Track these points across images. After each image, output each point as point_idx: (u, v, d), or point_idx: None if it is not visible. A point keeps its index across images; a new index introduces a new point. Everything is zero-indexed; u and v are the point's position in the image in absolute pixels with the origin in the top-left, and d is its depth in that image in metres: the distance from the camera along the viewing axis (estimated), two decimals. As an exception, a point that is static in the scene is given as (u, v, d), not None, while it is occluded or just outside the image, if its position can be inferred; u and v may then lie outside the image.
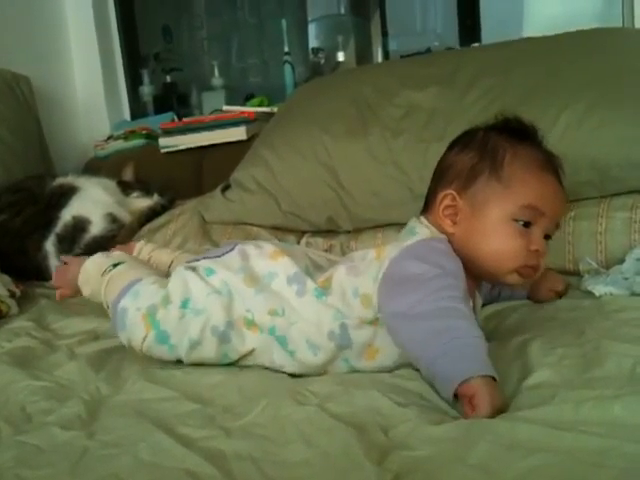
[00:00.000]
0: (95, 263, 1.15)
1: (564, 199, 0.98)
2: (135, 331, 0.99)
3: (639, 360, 0.80)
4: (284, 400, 0.82)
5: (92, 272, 1.14)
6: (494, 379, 0.76)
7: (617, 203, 1.27)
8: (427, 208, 1.01)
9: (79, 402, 0.89)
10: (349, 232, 1.50)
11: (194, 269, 1.02)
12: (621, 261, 1.17)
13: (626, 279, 1.09)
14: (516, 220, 0.93)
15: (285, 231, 1.55)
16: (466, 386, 0.75)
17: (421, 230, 0.97)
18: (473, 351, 0.78)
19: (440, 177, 1.01)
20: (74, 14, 2.35)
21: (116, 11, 2.47)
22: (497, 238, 0.93)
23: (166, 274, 1.22)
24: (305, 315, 0.94)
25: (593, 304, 1.06)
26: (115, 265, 1.10)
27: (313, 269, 1.01)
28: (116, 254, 1.20)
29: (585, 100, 1.34)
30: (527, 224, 0.93)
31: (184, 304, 0.98)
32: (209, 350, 0.97)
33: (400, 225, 1.42)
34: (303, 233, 1.55)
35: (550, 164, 0.97)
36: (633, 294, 1.06)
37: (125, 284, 1.03)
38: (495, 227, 0.93)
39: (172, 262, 1.27)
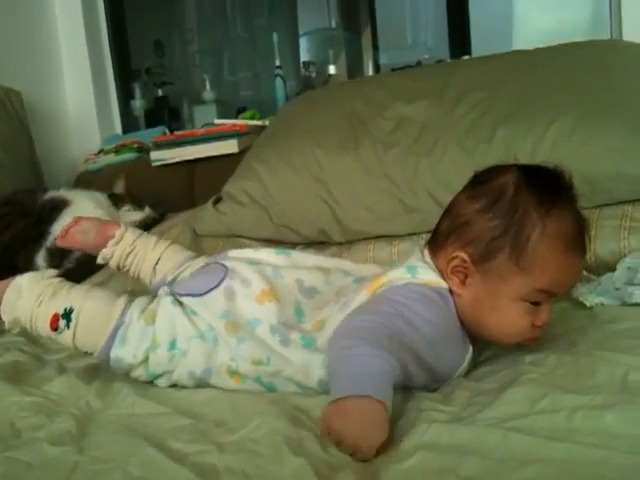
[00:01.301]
0: (21, 297, 1.03)
1: (581, 270, 0.91)
2: (133, 371, 0.98)
3: (631, 369, 0.80)
4: (278, 416, 0.81)
5: (20, 309, 1.02)
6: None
7: (607, 213, 1.28)
8: (436, 246, 0.92)
9: (69, 417, 0.88)
10: (341, 244, 1.50)
11: (181, 303, 0.99)
12: (611, 267, 1.17)
13: (617, 289, 1.09)
14: (527, 300, 0.87)
15: (277, 244, 1.55)
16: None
17: (423, 274, 0.90)
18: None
19: (455, 227, 0.90)
20: (65, 28, 2.36)
21: (107, 25, 2.47)
22: (505, 316, 0.87)
23: (151, 274, 1.18)
24: (293, 361, 0.91)
25: (584, 315, 1.06)
26: (66, 316, 1.00)
27: (306, 302, 0.97)
28: (42, 283, 1.03)
29: (574, 113, 1.35)
30: (537, 303, 0.88)
31: (172, 345, 0.96)
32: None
33: (392, 237, 1.44)
34: (295, 245, 1.55)
35: (579, 237, 0.87)
36: (624, 304, 1.06)
37: (107, 332, 0.98)
38: (504, 305, 0.87)
39: (158, 260, 1.18)
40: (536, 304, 0.87)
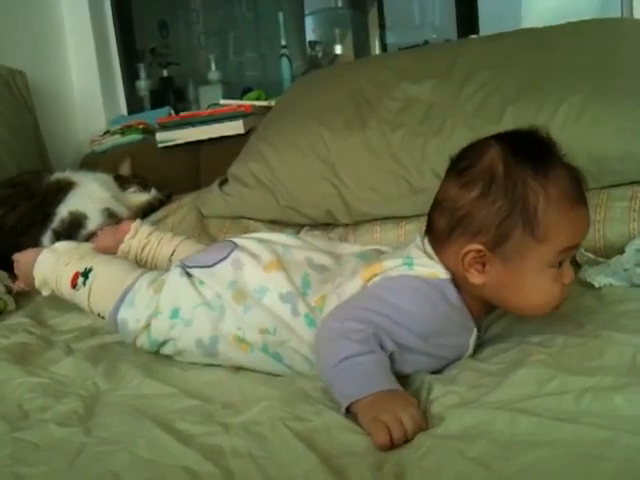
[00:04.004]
0: (54, 257, 1.14)
1: (589, 219, 0.89)
2: (138, 338, 1.01)
3: (639, 350, 0.79)
4: (284, 399, 0.81)
5: (50, 267, 1.13)
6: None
7: (616, 194, 1.27)
8: (437, 243, 0.89)
9: (76, 398, 0.88)
10: (347, 225, 1.50)
11: (190, 275, 1.01)
12: (620, 250, 1.16)
13: (626, 270, 1.08)
14: (552, 266, 0.85)
15: (283, 225, 1.55)
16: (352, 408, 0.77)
17: (420, 265, 0.88)
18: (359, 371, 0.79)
19: (456, 221, 0.85)
20: (70, 8, 2.34)
21: (112, 5, 2.45)
22: (536, 290, 0.85)
23: (167, 265, 1.21)
24: (299, 333, 0.92)
25: (592, 296, 1.05)
26: (85, 274, 1.07)
27: (315, 275, 0.97)
28: (75, 250, 1.15)
29: (582, 93, 1.33)
30: (559, 264, 0.86)
31: (174, 314, 0.98)
32: (193, 359, 0.98)
33: (398, 219, 1.43)
34: (301, 227, 1.55)
35: (579, 189, 0.86)
36: (633, 285, 1.06)
37: (118, 295, 1.02)
38: (532, 281, 0.84)
39: (174, 252, 1.24)
40: (559, 265, 0.86)
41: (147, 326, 0.99)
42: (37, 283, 1.15)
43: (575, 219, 0.85)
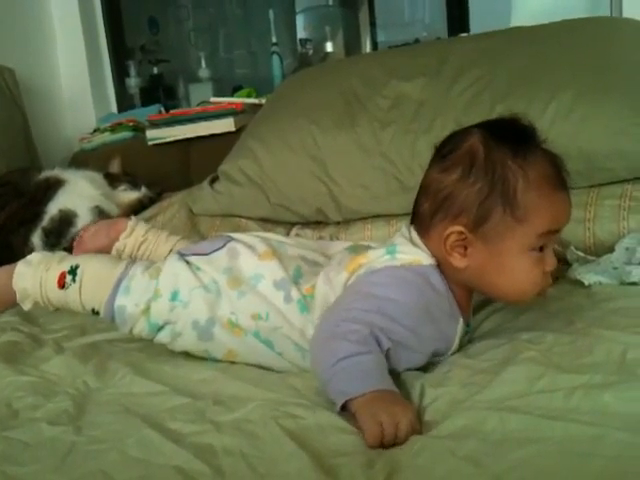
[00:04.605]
0: (31, 267, 1.09)
1: (571, 205, 0.90)
2: (136, 324, 1.00)
3: (629, 347, 0.80)
4: (276, 398, 0.81)
5: (30, 276, 1.08)
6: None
7: (606, 192, 1.27)
8: (422, 229, 0.90)
9: (66, 397, 0.88)
10: (338, 223, 1.50)
11: (187, 262, 1.01)
12: (610, 248, 1.17)
13: (615, 269, 1.09)
14: (533, 249, 0.86)
15: (274, 223, 1.55)
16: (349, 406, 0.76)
17: (402, 253, 0.89)
18: (358, 369, 0.79)
19: (438, 203, 0.88)
20: (59, 5, 2.33)
21: (102, 2, 2.44)
22: (517, 273, 0.86)
23: None
24: (291, 320, 0.93)
25: (582, 294, 1.05)
26: (72, 272, 1.04)
27: (308, 268, 0.99)
28: (50, 256, 1.11)
29: (572, 91, 1.34)
30: (541, 247, 0.87)
31: (173, 296, 0.98)
32: (188, 343, 0.98)
33: (389, 217, 1.43)
34: (292, 225, 1.55)
35: (559, 175, 0.88)
36: (622, 283, 1.06)
37: (111, 284, 1.01)
38: (513, 263, 0.86)
39: (171, 251, 1.22)
40: (541, 250, 0.87)
41: (146, 310, 0.98)
42: (18, 297, 1.09)
43: (555, 202, 0.87)
